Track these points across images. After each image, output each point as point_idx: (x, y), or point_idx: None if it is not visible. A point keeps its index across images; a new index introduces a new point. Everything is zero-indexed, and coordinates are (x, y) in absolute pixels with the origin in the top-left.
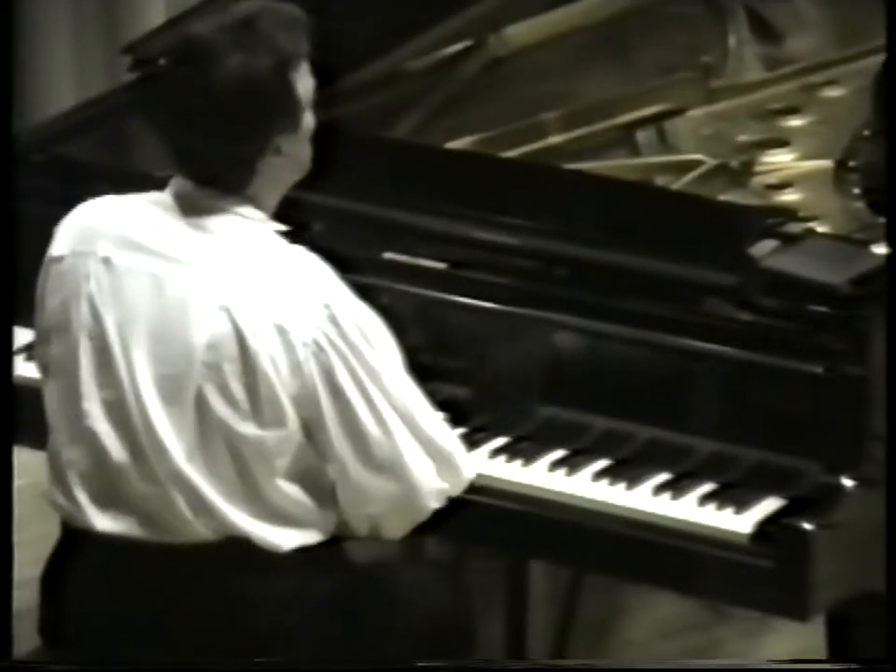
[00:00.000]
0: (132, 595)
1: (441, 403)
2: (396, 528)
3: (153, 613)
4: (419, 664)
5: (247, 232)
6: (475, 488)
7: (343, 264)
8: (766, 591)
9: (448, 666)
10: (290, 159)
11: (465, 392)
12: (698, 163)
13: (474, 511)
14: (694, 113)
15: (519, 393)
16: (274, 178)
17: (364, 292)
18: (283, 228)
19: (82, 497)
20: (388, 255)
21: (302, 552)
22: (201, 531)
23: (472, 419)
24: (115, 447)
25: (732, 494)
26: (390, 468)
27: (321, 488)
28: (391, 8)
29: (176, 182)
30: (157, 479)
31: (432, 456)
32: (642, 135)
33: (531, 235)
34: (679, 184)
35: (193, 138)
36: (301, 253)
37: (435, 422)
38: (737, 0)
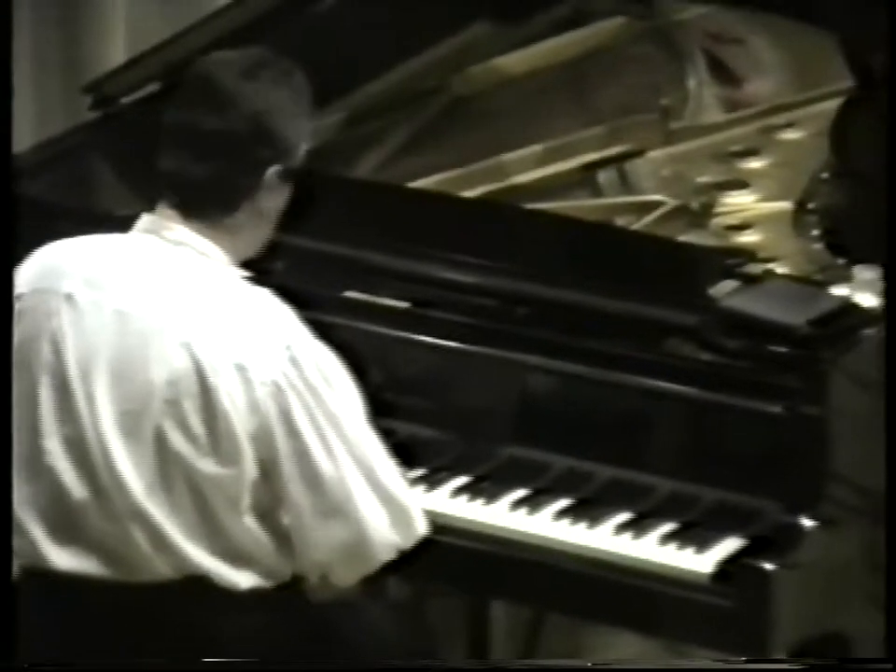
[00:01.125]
0: (88, 633)
1: (402, 442)
2: (344, 577)
3: (110, 652)
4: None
5: (211, 272)
6: (436, 528)
7: (305, 303)
8: (727, 631)
9: (461, 667)
10: (266, 214)
11: (426, 431)
12: (659, 204)
13: (435, 550)
14: (655, 154)
15: (480, 432)
16: (246, 226)
17: (325, 331)
18: (247, 274)
19: (38, 534)
20: (350, 294)
21: (262, 591)
22: (160, 569)
23: (433, 458)
24: (74, 484)
25: (693, 533)
26: (343, 514)
27: (280, 529)
28: (354, 48)
29: (144, 220)
30: (116, 516)
31: (387, 508)
32: (603, 176)
33: (493, 275)
34: (640, 224)
35: (189, 169)
36: (263, 294)
37: (392, 473)
38: (696, 43)
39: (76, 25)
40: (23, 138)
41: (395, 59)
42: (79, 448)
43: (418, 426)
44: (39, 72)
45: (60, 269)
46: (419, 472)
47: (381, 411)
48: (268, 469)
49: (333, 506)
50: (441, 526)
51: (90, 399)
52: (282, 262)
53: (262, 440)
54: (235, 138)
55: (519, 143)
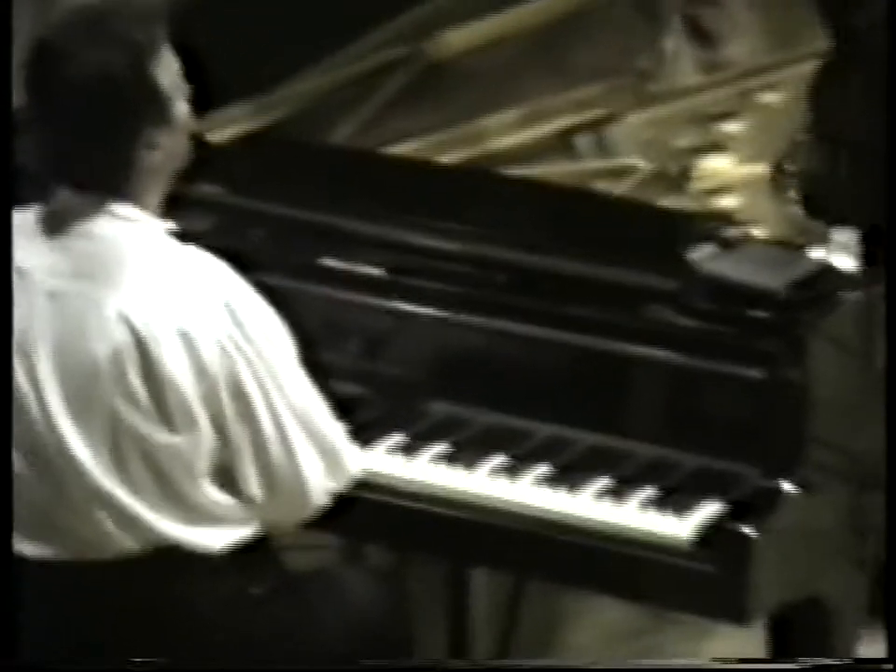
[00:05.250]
0: (68, 614)
1: (379, 411)
2: (283, 525)
3: (90, 631)
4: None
5: (136, 236)
6: (416, 496)
7: (281, 270)
8: (708, 595)
9: (462, 666)
10: (166, 151)
11: (405, 399)
12: (637, 169)
13: (416, 517)
14: (632, 118)
15: (459, 399)
16: (153, 174)
17: (302, 298)
18: (173, 226)
19: None
20: (327, 261)
21: (237, 556)
22: (127, 545)
23: (412, 426)
24: (31, 480)
25: (673, 499)
26: (285, 470)
27: (238, 486)
28: (327, 14)
29: (57, 195)
30: (78, 501)
31: (323, 457)
32: (581, 141)
33: (470, 241)
34: (618, 189)
35: (64, 141)
36: (194, 252)
37: (326, 420)
38: (673, 5)
39: None
40: None
41: (368, 24)
42: (31, 439)
43: (396, 393)
44: None
45: None
46: (398, 439)
47: (356, 378)
48: (219, 429)
49: (276, 463)
50: (421, 494)
51: (35, 387)
52: (258, 230)
53: (212, 401)
54: (95, 110)
55: (495, 108)
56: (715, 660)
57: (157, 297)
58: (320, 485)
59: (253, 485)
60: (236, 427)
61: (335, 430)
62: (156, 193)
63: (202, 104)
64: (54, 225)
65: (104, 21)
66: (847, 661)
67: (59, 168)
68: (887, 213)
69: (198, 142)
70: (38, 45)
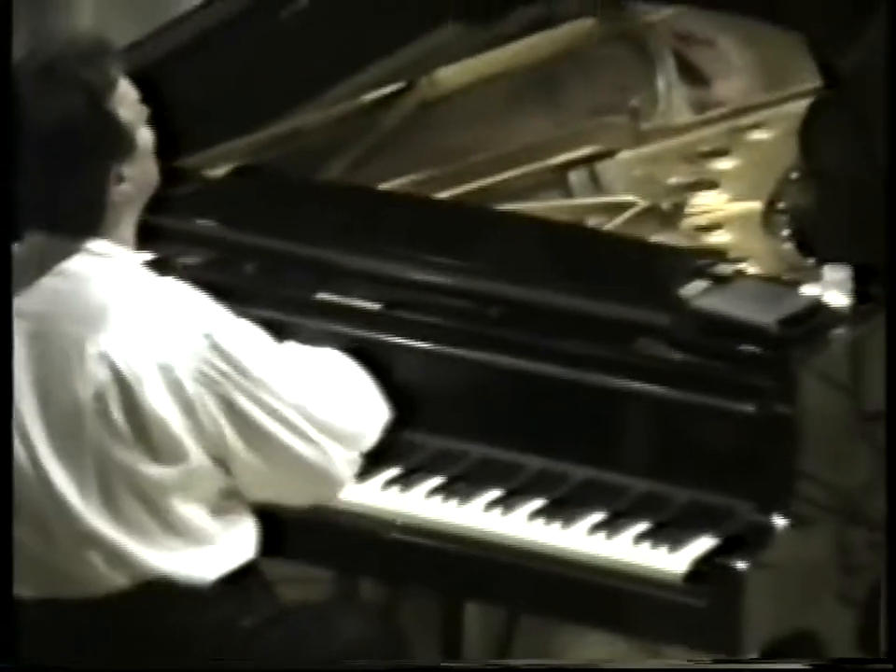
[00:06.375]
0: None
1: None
2: (320, 501)
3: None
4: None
5: (112, 271)
6: (411, 529)
7: (276, 304)
8: (700, 630)
9: (458, 667)
10: (135, 182)
11: (399, 432)
12: (630, 205)
13: (409, 551)
14: (625, 155)
15: (454, 433)
16: (124, 206)
17: (297, 332)
18: (148, 257)
19: None
20: (322, 296)
21: (229, 588)
22: (118, 582)
23: (408, 459)
24: (22, 530)
25: (666, 533)
26: (306, 465)
27: (223, 506)
28: (323, 51)
29: (29, 237)
30: (69, 545)
31: (332, 436)
32: (574, 177)
33: (463, 275)
34: (611, 225)
35: (34, 184)
36: (171, 283)
37: (324, 403)
38: (665, 44)
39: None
40: None
41: (364, 61)
42: (18, 483)
43: (391, 426)
44: None
45: None
46: (393, 473)
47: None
48: (220, 453)
49: (301, 464)
50: (415, 527)
51: (21, 430)
52: (253, 265)
53: (206, 429)
54: (56, 157)
55: (489, 144)
56: (717, 660)
57: (136, 333)
58: (342, 461)
59: (273, 494)
60: (242, 443)
61: (341, 408)
62: (129, 224)
63: (198, 141)
64: (29, 268)
65: (56, 66)
66: (847, 662)
67: (31, 211)
68: (887, 240)
69: (193, 176)
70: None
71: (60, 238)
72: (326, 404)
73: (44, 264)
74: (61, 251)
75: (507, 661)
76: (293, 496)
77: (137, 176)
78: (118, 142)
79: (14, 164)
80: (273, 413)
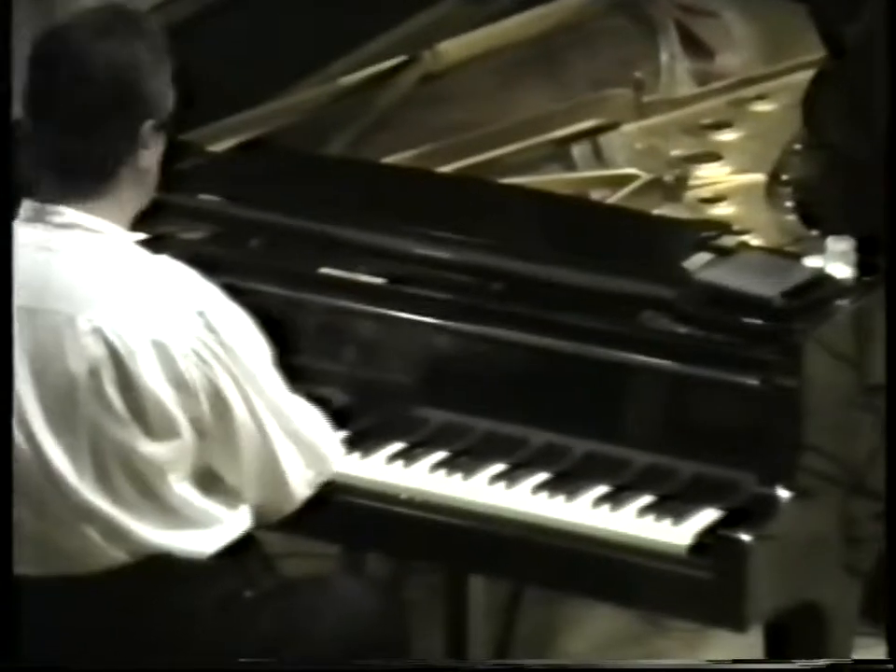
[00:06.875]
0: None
1: (379, 419)
2: (271, 516)
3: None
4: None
5: (108, 249)
6: (415, 503)
7: (280, 279)
8: (705, 602)
9: (462, 666)
10: (150, 159)
11: (404, 407)
12: (633, 178)
13: (414, 525)
14: (628, 128)
15: (458, 407)
16: (129, 189)
17: (302, 308)
18: (143, 236)
19: None
20: (325, 270)
21: (231, 560)
22: (117, 556)
23: (412, 434)
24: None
25: (670, 506)
26: (270, 472)
27: (221, 487)
28: (326, 24)
29: (26, 208)
30: (66, 519)
31: (300, 447)
32: (577, 150)
33: (467, 250)
34: (615, 198)
35: (66, 138)
36: (166, 262)
37: (302, 414)
38: (668, 16)
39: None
40: None
41: (367, 35)
42: (14, 462)
43: (395, 402)
44: None
45: None
46: (398, 447)
47: (360, 387)
48: (200, 432)
49: (258, 460)
50: (419, 502)
51: (17, 406)
52: (257, 239)
53: (191, 406)
54: (100, 102)
55: (492, 118)
56: (717, 661)
57: (129, 308)
58: (301, 477)
59: (236, 484)
60: (217, 429)
61: (312, 424)
62: (125, 214)
63: (200, 115)
64: (24, 238)
65: (129, 18)
66: (847, 662)
67: (42, 169)
68: (886, 213)
69: (197, 151)
70: (50, 46)
71: (60, 205)
72: (300, 416)
73: (35, 239)
74: (53, 224)
75: (509, 661)
76: (249, 491)
77: (154, 154)
78: (156, 106)
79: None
80: (252, 409)
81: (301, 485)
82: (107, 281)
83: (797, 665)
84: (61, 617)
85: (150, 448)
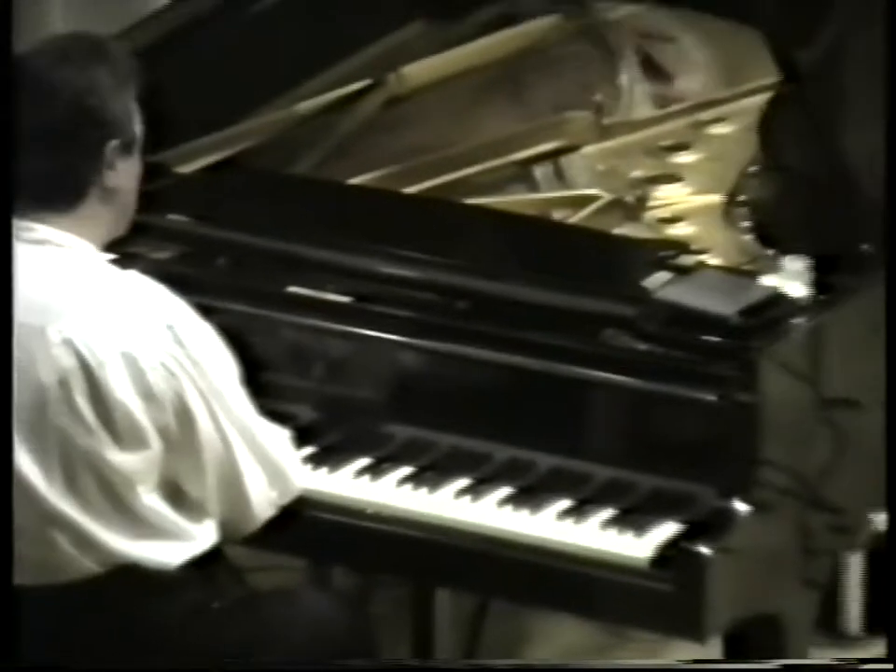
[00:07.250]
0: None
1: (345, 435)
2: (233, 535)
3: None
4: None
5: (78, 265)
6: (381, 518)
7: (247, 297)
8: (665, 613)
9: (454, 667)
10: (120, 180)
11: (370, 423)
12: (594, 198)
13: (381, 539)
14: (589, 149)
15: (423, 423)
16: (99, 207)
17: (269, 326)
18: (112, 256)
19: None
20: (292, 289)
21: (198, 572)
22: (86, 566)
23: (378, 449)
24: None
25: (632, 519)
26: (232, 488)
27: (186, 499)
28: (292, 46)
29: None
30: (35, 527)
31: (266, 471)
32: (539, 171)
33: (431, 269)
34: (576, 218)
35: (34, 160)
36: (136, 277)
37: (268, 435)
38: (628, 41)
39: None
40: None
41: (333, 59)
42: None
43: (362, 417)
44: None
45: None
46: (364, 463)
47: (327, 403)
48: (167, 445)
49: (220, 477)
50: (385, 516)
51: None
52: (224, 258)
53: (159, 419)
54: (62, 126)
55: (456, 140)
56: (717, 660)
57: (99, 321)
58: (263, 496)
59: (199, 498)
60: (182, 441)
61: (277, 445)
62: (103, 225)
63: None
64: None
65: (91, 44)
66: (847, 662)
67: (22, 179)
68: (886, 212)
69: (165, 172)
70: (19, 72)
71: (31, 220)
72: (265, 435)
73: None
74: (25, 239)
75: (505, 661)
76: (213, 506)
77: (124, 176)
78: (123, 127)
79: (14, 155)
80: (217, 423)
81: (263, 504)
82: (78, 294)
83: (796, 663)
84: (32, 622)
85: (119, 458)
